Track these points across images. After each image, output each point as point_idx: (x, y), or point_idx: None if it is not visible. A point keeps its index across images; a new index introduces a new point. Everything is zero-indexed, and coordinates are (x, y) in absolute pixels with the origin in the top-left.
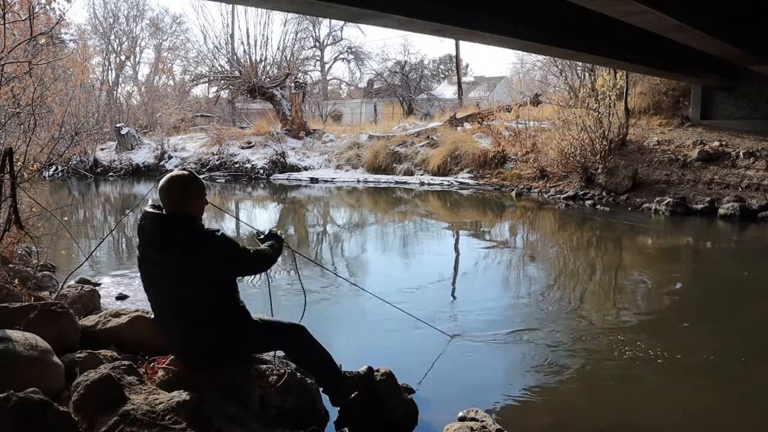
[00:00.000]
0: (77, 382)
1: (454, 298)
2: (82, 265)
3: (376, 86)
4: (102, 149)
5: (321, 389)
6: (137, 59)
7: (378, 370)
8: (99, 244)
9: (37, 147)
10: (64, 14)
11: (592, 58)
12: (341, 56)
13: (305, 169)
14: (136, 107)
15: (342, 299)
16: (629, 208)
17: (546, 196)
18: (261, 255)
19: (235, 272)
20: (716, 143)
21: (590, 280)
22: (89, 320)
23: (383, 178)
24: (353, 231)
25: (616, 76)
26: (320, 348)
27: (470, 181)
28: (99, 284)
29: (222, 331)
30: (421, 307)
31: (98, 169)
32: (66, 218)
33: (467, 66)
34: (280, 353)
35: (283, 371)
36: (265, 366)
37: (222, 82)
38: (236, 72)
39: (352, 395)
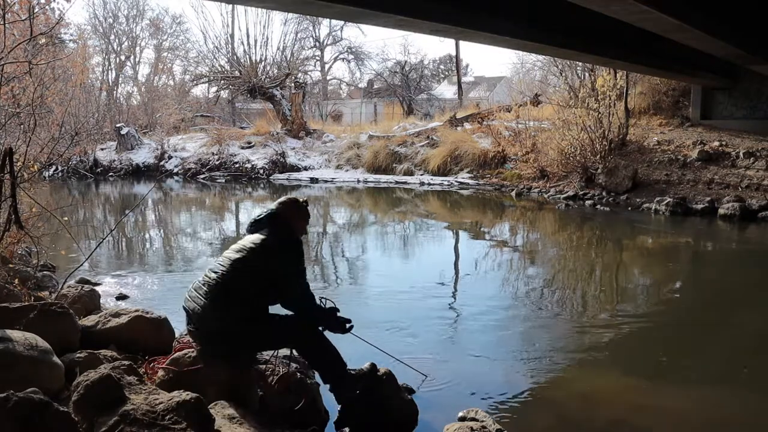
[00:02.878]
0: (77, 382)
1: (455, 298)
2: (82, 265)
3: (376, 86)
4: (102, 149)
5: (327, 386)
6: (137, 59)
7: (378, 370)
8: (99, 244)
9: (37, 147)
10: (63, 14)
11: (592, 58)
12: (341, 56)
13: (305, 169)
14: (136, 107)
15: (342, 297)
16: (629, 208)
17: (546, 196)
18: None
19: (291, 278)
20: (716, 143)
21: (590, 281)
22: (89, 320)
23: (383, 178)
24: (352, 232)
25: (616, 76)
26: (329, 345)
27: (470, 181)
28: (99, 284)
29: (237, 316)
30: (422, 307)
31: (98, 169)
32: (66, 218)
33: (467, 66)
34: (281, 353)
35: (283, 371)
36: (265, 366)
37: (222, 82)
38: (236, 72)
39: (356, 392)
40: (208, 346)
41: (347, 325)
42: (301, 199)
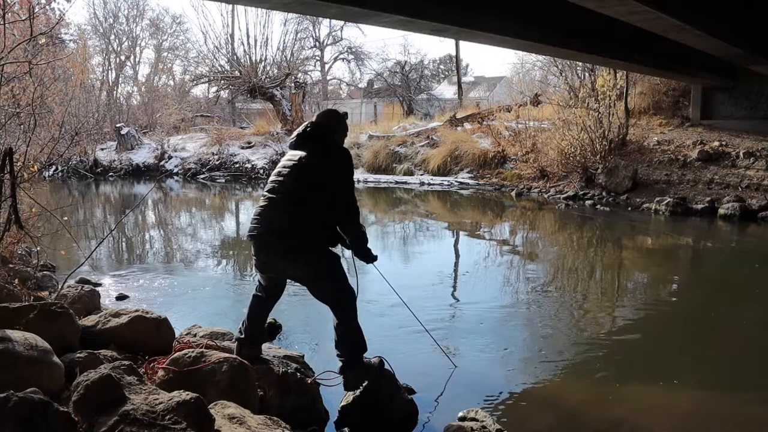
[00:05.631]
0: (77, 382)
1: (456, 299)
2: (82, 265)
3: (376, 86)
4: (102, 149)
5: (339, 364)
6: (137, 59)
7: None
8: (99, 244)
9: (37, 147)
10: (64, 14)
11: (592, 58)
12: (341, 56)
13: None
14: (136, 107)
15: None
16: (629, 208)
17: (546, 196)
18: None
19: (340, 188)
20: (716, 143)
21: (590, 282)
22: (89, 320)
23: (383, 178)
24: None
25: (616, 76)
26: (357, 324)
27: (470, 181)
28: (99, 284)
29: (312, 232)
30: (422, 307)
31: (98, 169)
32: (66, 218)
33: (467, 66)
34: (279, 353)
35: (282, 371)
36: (265, 366)
37: (222, 82)
38: (236, 72)
39: (363, 383)
40: (279, 243)
41: (373, 255)
42: (341, 111)
